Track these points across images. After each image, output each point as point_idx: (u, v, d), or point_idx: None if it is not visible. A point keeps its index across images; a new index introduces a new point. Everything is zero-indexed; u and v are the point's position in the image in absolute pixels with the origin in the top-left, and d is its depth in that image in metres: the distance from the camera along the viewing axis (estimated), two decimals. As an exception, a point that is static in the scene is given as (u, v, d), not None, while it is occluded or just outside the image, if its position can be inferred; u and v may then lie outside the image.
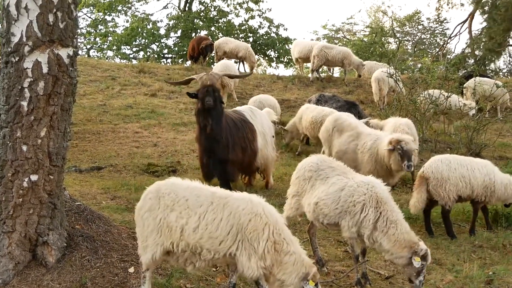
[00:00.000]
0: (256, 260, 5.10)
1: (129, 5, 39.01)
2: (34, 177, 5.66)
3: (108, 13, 37.63)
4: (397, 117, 12.26)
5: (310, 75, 22.26)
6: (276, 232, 5.20)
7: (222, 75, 10.64)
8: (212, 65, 26.06)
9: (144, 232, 5.36)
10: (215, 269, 6.65)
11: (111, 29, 37.14)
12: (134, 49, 37.45)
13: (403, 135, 9.17)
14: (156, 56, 35.23)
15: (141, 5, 42.64)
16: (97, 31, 37.78)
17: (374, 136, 9.59)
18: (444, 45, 35.77)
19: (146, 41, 36.36)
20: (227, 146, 9.73)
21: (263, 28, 37.59)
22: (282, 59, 37.99)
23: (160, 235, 5.25)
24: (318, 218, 6.63)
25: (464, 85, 17.20)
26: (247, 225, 5.15)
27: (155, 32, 36.40)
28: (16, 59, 5.56)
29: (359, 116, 14.51)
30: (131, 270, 6.04)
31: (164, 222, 5.25)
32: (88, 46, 38.65)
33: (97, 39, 37.44)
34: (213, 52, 23.87)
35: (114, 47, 35.13)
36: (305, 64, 26.22)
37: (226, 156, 9.76)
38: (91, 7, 37.59)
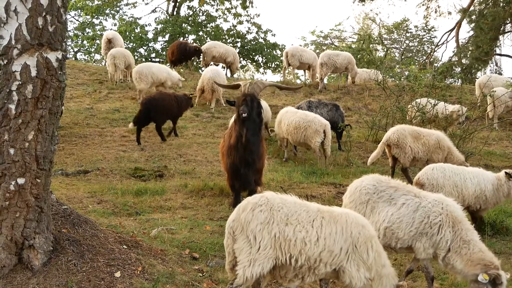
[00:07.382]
0: (363, 271, 5.26)
1: (117, 8, 39.02)
2: (21, 181, 5.62)
3: (96, 16, 37.58)
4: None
5: (320, 85, 21.78)
6: (376, 244, 5.38)
7: (268, 85, 9.93)
8: (200, 70, 26.08)
9: (254, 246, 5.23)
10: (201, 275, 6.64)
11: (98, 32, 37.04)
12: (122, 53, 37.35)
13: None
14: (143, 60, 35.21)
15: (129, 8, 42.78)
16: (85, 34, 37.69)
17: None
18: (431, 53, 36.00)
19: (134, 45, 36.33)
20: (261, 155, 9.54)
21: (251, 33, 37.82)
22: (270, 65, 38.15)
23: (274, 249, 5.20)
24: (390, 243, 6.44)
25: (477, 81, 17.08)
26: (357, 238, 5.27)
27: (143, 36, 36.40)
28: (5, 62, 5.52)
29: (341, 118, 15.03)
30: (117, 274, 6.02)
31: (280, 236, 5.20)
32: (76, 49, 38.59)
33: (85, 42, 37.35)
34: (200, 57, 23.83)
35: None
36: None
37: (259, 165, 9.58)
38: (79, 10, 37.55)
